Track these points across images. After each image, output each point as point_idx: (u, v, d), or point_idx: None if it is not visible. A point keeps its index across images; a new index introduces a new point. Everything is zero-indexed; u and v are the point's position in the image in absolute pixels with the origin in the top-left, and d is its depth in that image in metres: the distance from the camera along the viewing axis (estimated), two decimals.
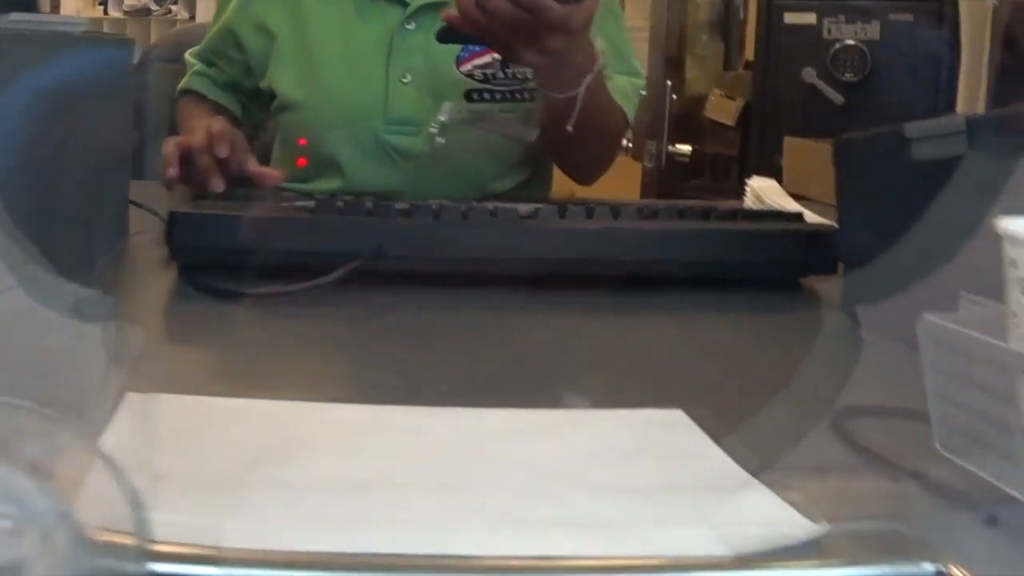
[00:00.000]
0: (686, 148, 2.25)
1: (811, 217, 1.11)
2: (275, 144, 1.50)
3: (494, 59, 1.31)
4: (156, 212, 1.12)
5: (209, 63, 1.48)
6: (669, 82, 2.26)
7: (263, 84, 1.40)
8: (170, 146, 1.25)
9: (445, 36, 1.18)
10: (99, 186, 1.03)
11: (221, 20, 1.46)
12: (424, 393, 0.72)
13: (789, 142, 1.56)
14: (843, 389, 0.72)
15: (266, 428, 0.64)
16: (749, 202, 1.30)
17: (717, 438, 0.63)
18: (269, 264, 0.93)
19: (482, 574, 0.48)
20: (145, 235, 1.11)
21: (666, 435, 0.65)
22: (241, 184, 1.26)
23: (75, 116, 0.92)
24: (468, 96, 1.32)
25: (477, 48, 1.31)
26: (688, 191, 2.23)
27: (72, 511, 0.41)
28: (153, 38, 3.55)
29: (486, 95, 1.33)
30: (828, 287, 0.97)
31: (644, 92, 1.48)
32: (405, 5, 1.36)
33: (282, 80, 1.37)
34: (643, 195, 2.28)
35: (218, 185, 1.19)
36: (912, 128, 0.84)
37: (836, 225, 0.96)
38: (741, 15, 2.50)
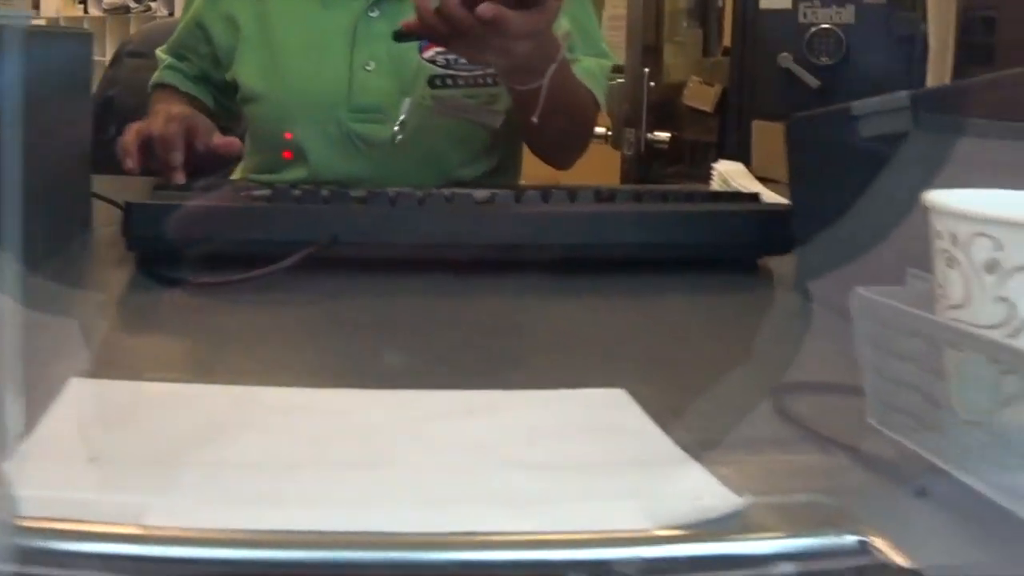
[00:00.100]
0: (665, 135, 2.25)
1: (772, 198, 1.11)
2: (246, 136, 1.50)
3: None
4: (120, 205, 1.11)
5: (180, 57, 1.48)
6: (647, 69, 2.25)
7: (229, 76, 1.41)
8: (130, 134, 1.26)
9: (402, 37, 1.18)
10: (59, 179, 1.03)
11: (190, 13, 1.46)
12: (371, 376, 0.73)
13: (758, 125, 1.55)
14: (788, 366, 0.73)
15: (204, 411, 0.64)
16: (716, 186, 1.30)
17: (658, 416, 0.63)
18: (226, 253, 0.93)
19: (405, 551, 0.48)
20: (109, 228, 1.11)
21: (605, 414, 0.65)
22: (210, 165, 1.26)
23: (34, 109, 0.92)
24: (431, 82, 1.32)
25: None
26: (667, 178, 2.23)
27: None
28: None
29: (449, 81, 1.33)
30: (785, 267, 0.97)
31: (622, 80, 1.48)
32: None
33: (246, 72, 1.37)
34: (622, 182, 2.28)
35: (178, 178, 1.19)
36: (858, 105, 0.84)
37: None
38: (720, 2, 2.49)
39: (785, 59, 2.05)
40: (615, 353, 0.80)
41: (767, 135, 1.53)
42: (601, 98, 1.41)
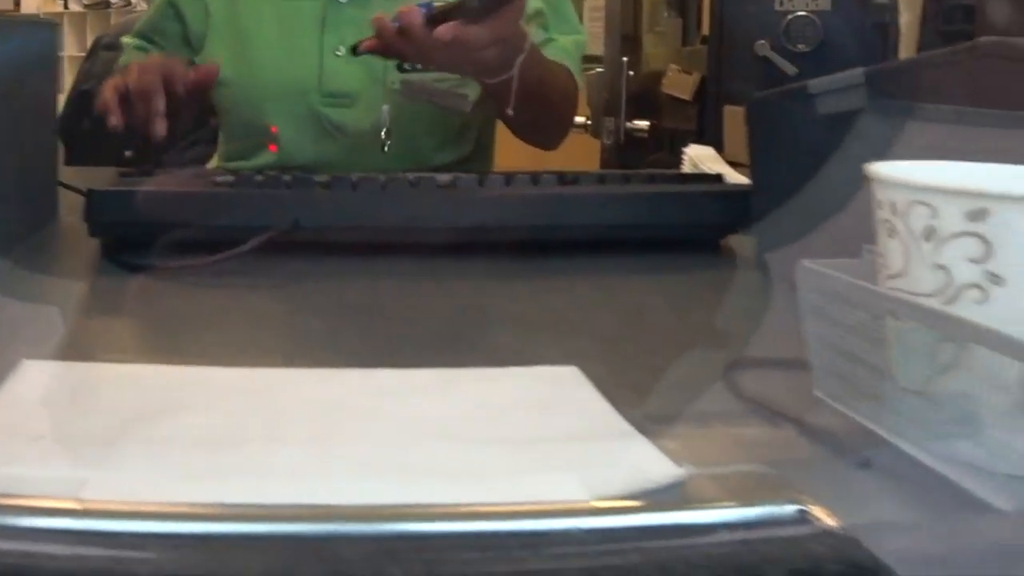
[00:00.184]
0: (644, 124, 2.25)
1: (737, 180, 1.11)
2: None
3: None
4: (84, 192, 1.11)
5: (149, 40, 1.47)
6: (625, 59, 2.26)
7: (199, 60, 1.40)
8: (107, 91, 1.23)
9: (360, 53, 1.18)
10: (26, 168, 1.03)
11: None
12: (329, 357, 0.73)
13: (729, 111, 1.55)
14: (742, 342, 0.73)
15: (153, 390, 0.64)
16: (686, 169, 1.30)
17: (610, 392, 0.63)
18: (190, 239, 0.93)
19: (342, 522, 0.48)
20: (75, 216, 1.11)
21: (556, 390, 0.66)
22: (192, 105, 1.26)
23: None
24: (400, 67, 1.31)
25: None
26: (646, 166, 2.23)
27: None
28: None
29: (418, 65, 1.32)
30: (748, 246, 0.98)
31: (601, 70, 1.48)
32: None
33: (216, 57, 1.37)
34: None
35: (161, 128, 1.17)
36: (815, 83, 0.84)
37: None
38: None
39: (762, 47, 2.05)
40: (573, 332, 0.80)
41: (738, 120, 1.53)
42: (577, 74, 1.41)
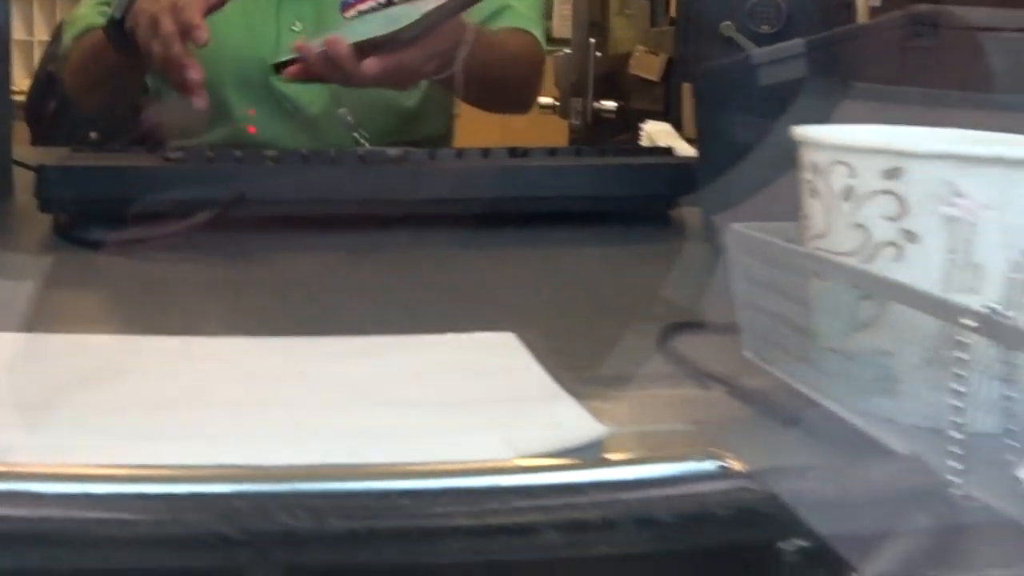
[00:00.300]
0: (611, 104, 2.25)
1: (688, 153, 1.11)
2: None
3: (379, 3, 1.30)
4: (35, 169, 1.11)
5: (107, 3, 1.43)
6: (593, 40, 2.26)
7: None
8: (178, 52, 1.10)
9: (282, 73, 1.16)
10: None
11: None
12: (271, 326, 0.73)
13: (687, 88, 1.55)
14: (679, 307, 0.73)
15: (90, 358, 0.64)
16: (644, 144, 1.31)
17: (545, 357, 0.64)
18: (140, 214, 0.93)
19: (267, 483, 0.48)
20: (30, 194, 1.10)
21: (491, 356, 0.66)
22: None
23: None
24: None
25: None
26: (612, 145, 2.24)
27: None
28: None
29: None
30: (695, 216, 0.98)
31: (568, 52, 1.47)
32: None
33: None
34: None
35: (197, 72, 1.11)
36: (758, 54, 0.85)
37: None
38: None
39: (728, 28, 2.05)
40: (515, 301, 0.80)
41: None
42: (540, 34, 1.40)
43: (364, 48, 1.06)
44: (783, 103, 0.82)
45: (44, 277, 0.87)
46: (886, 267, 0.52)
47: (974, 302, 0.48)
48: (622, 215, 1.00)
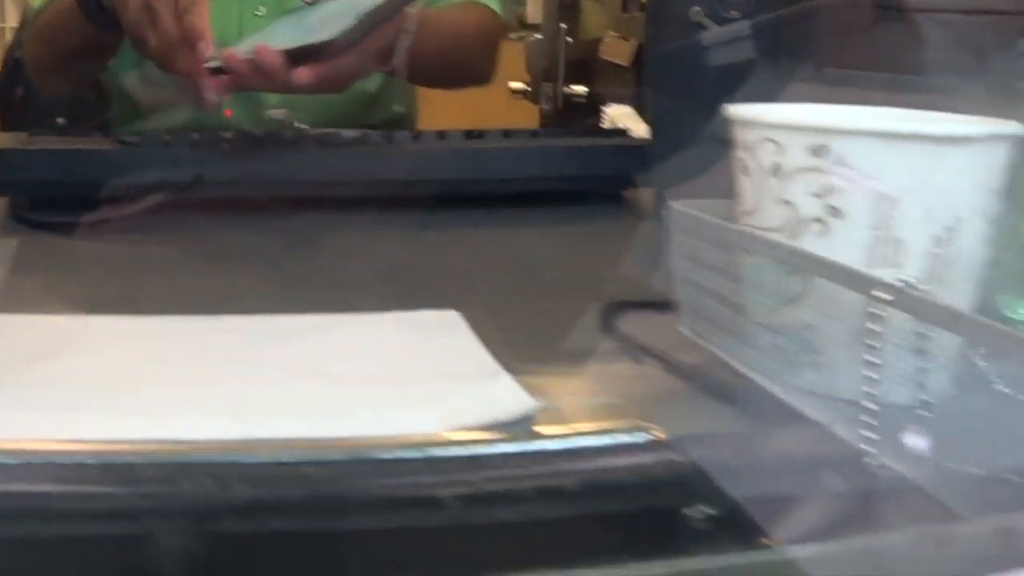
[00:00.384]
0: (582, 89, 2.26)
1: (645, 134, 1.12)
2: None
3: None
4: None
5: None
6: (564, 25, 2.26)
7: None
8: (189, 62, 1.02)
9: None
10: None
11: None
12: (222, 306, 0.73)
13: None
14: (623, 286, 0.74)
15: (36, 337, 0.65)
16: (606, 127, 1.31)
17: (487, 334, 0.64)
18: (97, 197, 0.93)
19: (178, 453, 0.49)
20: None
21: (432, 333, 0.67)
22: None
23: None
24: None
25: None
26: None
27: None
28: None
29: None
30: (648, 196, 0.99)
31: (539, 37, 1.46)
32: None
33: None
34: None
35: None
36: (707, 36, 0.85)
37: None
38: None
39: (696, 13, 2.06)
40: (463, 280, 0.81)
41: None
42: (496, 4, 1.38)
43: (296, 55, 0.99)
44: (734, 84, 0.82)
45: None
46: (812, 243, 0.53)
47: (897, 276, 0.49)
48: (578, 196, 1.01)
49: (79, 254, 0.87)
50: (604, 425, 0.51)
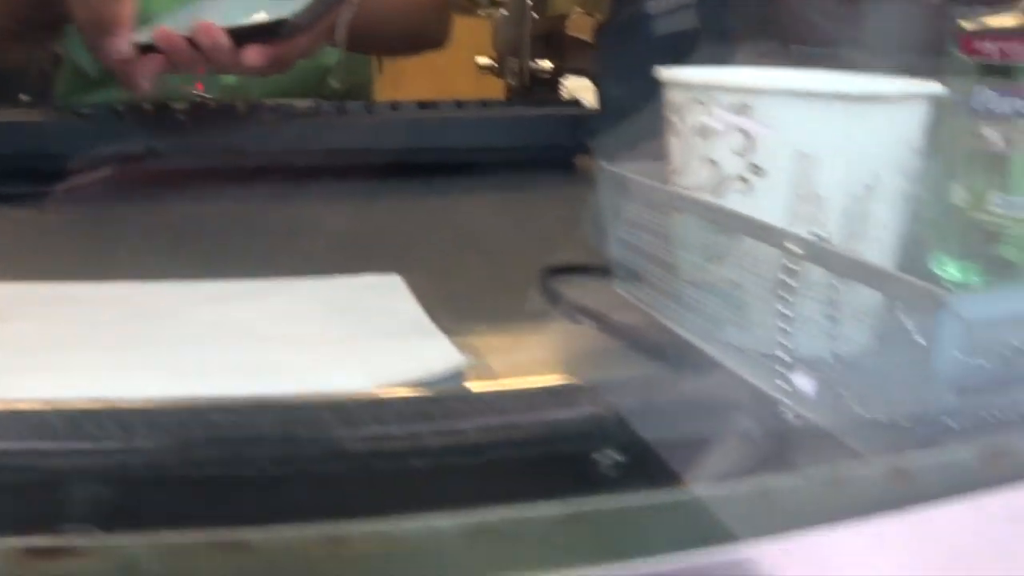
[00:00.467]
0: (548, 64, 2.25)
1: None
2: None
3: None
4: None
5: None
6: (530, 1, 2.26)
7: None
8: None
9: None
10: None
11: None
12: (167, 273, 0.74)
13: None
14: (564, 250, 0.75)
15: None
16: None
17: (427, 297, 0.65)
18: (49, 169, 0.93)
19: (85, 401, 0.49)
20: None
21: (372, 296, 0.67)
22: None
23: None
24: None
25: None
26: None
27: None
28: None
29: None
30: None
31: (505, 13, 1.44)
32: None
33: None
34: None
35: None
36: (652, 5, 0.86)
37: None
38: None
39: None
40: (411, 246, 0.82)
41: None
42: None
43: (242, 34, 0.92)
44: (681, 54, 0.83)
45: None
46: (736, 201, 0.54)
47: (816, 233, 0.50)
48: (530, 164, 1.01)
49: (29, 224, 0.88)
50: (523, 377, 0.52)
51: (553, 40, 2.44)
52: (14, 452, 0.36)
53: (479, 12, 2.49)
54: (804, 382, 0.44)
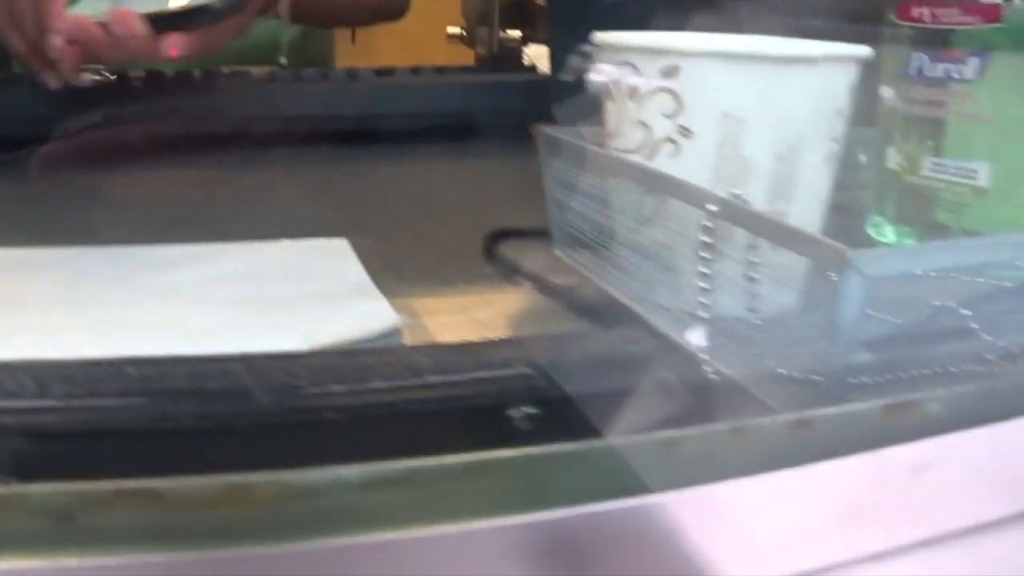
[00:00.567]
0: (517, 33, 2.25)
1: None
2: None
3: None
4: None
5: None
6: None
7: None
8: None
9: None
10: None
11: None
12: (115, 240, 0.74)
13: None
14: (512, 214, 0.75)
15: None
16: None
17: (373, 261, 0.66)
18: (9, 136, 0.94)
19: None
20: None
21: (318, 260, 0.68)
22: None
23: None
24: None
25: None
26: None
27: None
28: None
29: None
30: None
31: None
32: None
33: None
34: None
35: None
36: None
37: None
38: None
39: None
40: (362, 212, 0.82)
41: None
42: None
43: (162, 20, 0.87)
44: (631, 19, 0.84)
45: None
46: (665, 163, 0.54)
47: (743, 194, 0.50)
48: (488, 131, 1.02)
49: None
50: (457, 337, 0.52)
51: (524, 9, 2.45)
52: None
53: None
54: (696, 336, 0.45)
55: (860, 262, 0.38)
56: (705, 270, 0.47)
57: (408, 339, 0.55)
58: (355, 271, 0.65)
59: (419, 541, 0.34)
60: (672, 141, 0.54)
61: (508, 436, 0.40)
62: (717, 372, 0.46)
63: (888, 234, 0.67)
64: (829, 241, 0.40)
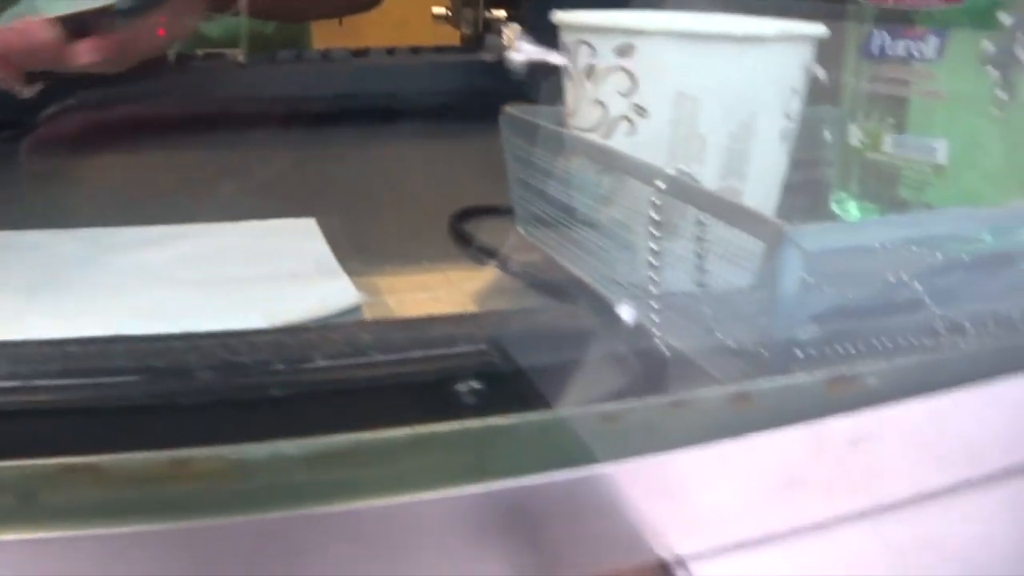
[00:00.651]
0: (502, 13, 2.26)
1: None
2: None
3: None
4: None
5: None
6: None
7: None
8: None
9: None
10: None
11: None
12: (86, 222, 0.75)
13: None
14: (480, 194, 0.76)
15: None
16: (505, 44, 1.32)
17: (339, 240, 0.66)
18: None
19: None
20: None
21: (285, 239, 0.69)
22: None
23: None
24: None
25: None
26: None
27: None
28: None
29: None
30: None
31: None
32: None
33: None
34: None
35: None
36: None
37: None
38: None
39: None
40: (332, 192, 0.83)
41: None
42: None
43: (72, 23, 0.83)
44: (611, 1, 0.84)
45: None
46: (621, 141, 0.55)
47: (698, 172, 0.51)
48: (460, 111, 1.02)
49: None
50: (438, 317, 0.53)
51: None
52: None
53: None
54: (626, 312, 0.45)
55: (797, 236, 0.39)
56: (654, 246, 0.48)
57: (368, 317, 0.55)
58: (321, 250, 0.65)
59: (361, 513, 0.35)
60: (628, 119, 0.55)
61: (454, 411, 0.41)
62: (668, 346, 0.46)
63: (852, 210, 0.68)
64: (768, 216, 0.41)
